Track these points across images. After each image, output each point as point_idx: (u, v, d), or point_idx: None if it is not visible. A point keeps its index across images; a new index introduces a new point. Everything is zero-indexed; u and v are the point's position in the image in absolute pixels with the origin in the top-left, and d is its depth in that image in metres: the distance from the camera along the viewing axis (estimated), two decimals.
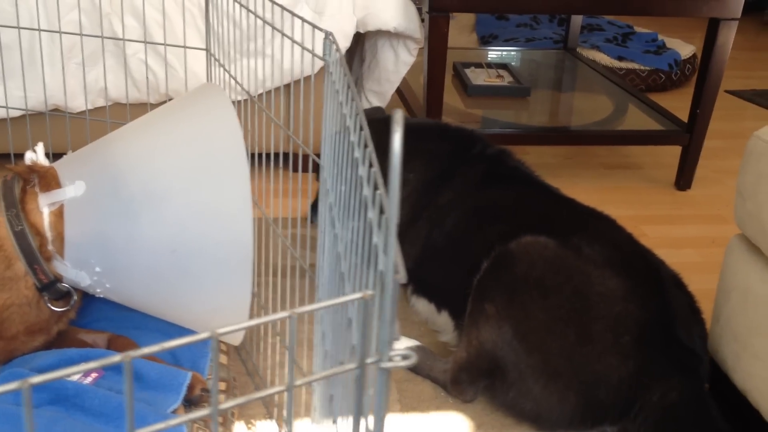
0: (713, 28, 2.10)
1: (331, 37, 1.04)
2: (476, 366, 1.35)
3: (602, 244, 1.34)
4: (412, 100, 2.38)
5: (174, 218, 1.14)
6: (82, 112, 2.04)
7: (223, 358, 1.35)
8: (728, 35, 2.10)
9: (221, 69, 1.55)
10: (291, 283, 1.68)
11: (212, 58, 1.55)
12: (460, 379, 1.37)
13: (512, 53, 3.11)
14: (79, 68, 2.00)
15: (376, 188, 0.53)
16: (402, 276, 0.41)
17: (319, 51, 1.10)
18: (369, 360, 0.42)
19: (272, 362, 1.40)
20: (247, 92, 1.28)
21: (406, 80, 2.51)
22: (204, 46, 1.59)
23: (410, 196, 1.65)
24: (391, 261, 0.40)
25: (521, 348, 1.28)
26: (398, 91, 2.49)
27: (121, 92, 2.06)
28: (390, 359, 0.42)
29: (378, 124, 1.74)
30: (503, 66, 2.77)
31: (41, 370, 1.15)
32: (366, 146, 0.75)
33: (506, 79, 2.64)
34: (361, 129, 0.77)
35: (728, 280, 1.22)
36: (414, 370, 1.45)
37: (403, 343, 1.47)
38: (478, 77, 2.63)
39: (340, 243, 0.98)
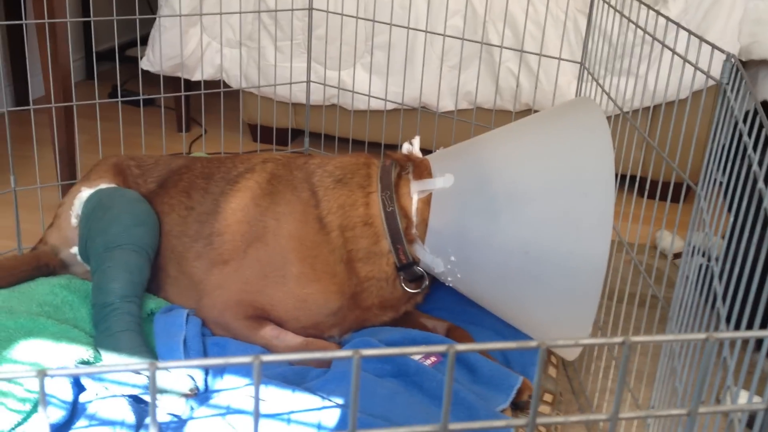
0: None
1: (732, 60, 0.98)
2: None
3: None
4: None
5: (531, 221, 1.16)
6: (450, 112, 2.17)
7: (552, 371, 1.34)
8: None
9: (593, 84, 1.54)
10: (629, 310, 1.62)
11: (585, 72, 1.55)
12: None
13: None
14: (451, 71, 2.13)
15: None
16: None
17: (712, 72, 1.05)
18: (702, 409, 0.39)
19: (602, 386, 1.36)
20: (620, 108, 1.25)
21: None
22: (578, 60, 1.59)
23: None
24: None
25: None
26: None
27: (487, 97, 2.15)
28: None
29: None
30: None
31: (387, 344, 1.24)
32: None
33: None
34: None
35: None
36: None
37: (746, 398, 1.34)
38: None
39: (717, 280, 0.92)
